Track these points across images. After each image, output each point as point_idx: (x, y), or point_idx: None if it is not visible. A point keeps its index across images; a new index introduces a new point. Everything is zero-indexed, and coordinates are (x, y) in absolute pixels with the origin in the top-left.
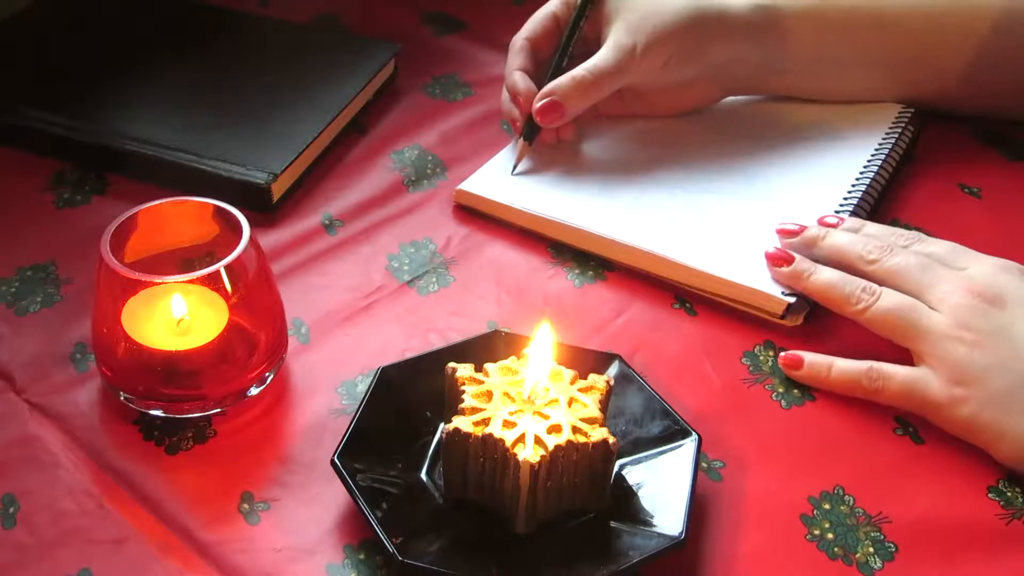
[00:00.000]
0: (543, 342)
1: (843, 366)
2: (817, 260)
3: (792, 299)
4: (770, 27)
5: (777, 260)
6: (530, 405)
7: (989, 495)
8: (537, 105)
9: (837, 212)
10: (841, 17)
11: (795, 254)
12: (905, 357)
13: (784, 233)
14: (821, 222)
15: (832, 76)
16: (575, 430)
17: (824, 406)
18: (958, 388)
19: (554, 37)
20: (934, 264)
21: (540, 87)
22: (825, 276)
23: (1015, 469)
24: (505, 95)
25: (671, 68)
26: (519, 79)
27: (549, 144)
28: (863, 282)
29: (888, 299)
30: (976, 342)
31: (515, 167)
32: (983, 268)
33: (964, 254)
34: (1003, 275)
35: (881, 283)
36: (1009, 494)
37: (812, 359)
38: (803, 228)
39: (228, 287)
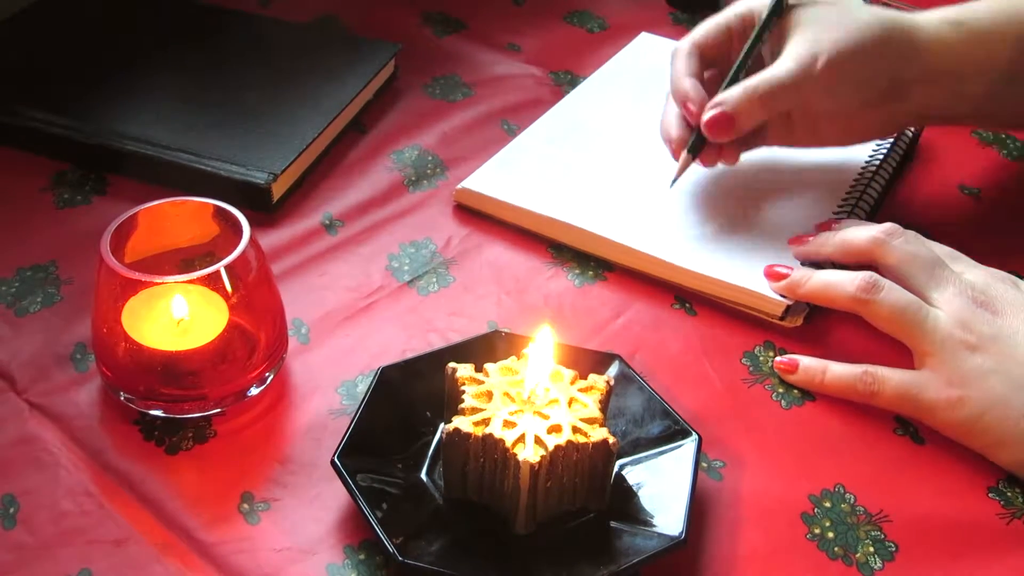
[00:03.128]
0: (544, 344)
1: (837, 370)
2: (828, 258)
3: (791, 301)
4: (966, 44)
5: (775, 276)
6: (530, 405)
7: (989, 495)
8: (706, 117)
9: (836, 213)
10: None
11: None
12: (904, 359)
13: (795, 242)
14: (819, 227)
15: (1018, 99)
16: (575, 430)
17: (824, 406)
18: (955, 390)
19: (723, 48)
20: (942, 263)
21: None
22: (822, 276)
23: (1015, 473)
24: (668, 112)
25: (853, 87)
26: (690, 85)
27: (708, 167)
28: (865, 273)
29: (895, 294)
30: (977, 346)
31: (674, 180)
32: (979, 274)
33: (960, 259)
34: (998, 283)
35: (889, 270)
36: (1009, 494)
37: (806, 364)
38: (810, 236)
39: (228, 287)
